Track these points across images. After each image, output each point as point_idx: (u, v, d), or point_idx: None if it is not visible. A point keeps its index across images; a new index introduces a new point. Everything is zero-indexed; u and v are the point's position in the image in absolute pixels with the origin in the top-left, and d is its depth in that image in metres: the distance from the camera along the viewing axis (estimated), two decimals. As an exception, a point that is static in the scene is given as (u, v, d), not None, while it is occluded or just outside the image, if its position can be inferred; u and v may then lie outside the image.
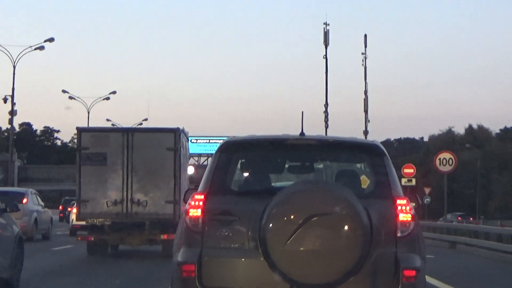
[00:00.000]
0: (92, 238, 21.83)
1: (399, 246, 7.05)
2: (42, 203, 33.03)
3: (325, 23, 55.12)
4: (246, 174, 7.86)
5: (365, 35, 55.63)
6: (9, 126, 59.95)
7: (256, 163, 7.90)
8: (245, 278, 7.00)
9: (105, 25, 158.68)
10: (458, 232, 30.78)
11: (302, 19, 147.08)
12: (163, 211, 21.54)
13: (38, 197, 32.28)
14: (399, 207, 7.17)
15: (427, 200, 46.50)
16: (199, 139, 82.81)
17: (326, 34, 54.69)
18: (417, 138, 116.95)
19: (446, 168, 35.62)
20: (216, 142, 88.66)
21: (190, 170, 32.25)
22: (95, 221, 21.70)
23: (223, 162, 7.43)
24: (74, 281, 15.76)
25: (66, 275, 16.74)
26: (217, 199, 7.14)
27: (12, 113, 50.50)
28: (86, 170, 21.60)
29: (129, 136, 21.82)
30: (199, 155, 77.80)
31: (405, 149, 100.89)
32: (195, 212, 7.10)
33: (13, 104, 50.60)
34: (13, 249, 12.64)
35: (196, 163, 72.50)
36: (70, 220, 33.81)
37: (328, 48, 55.06)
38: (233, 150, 7.67)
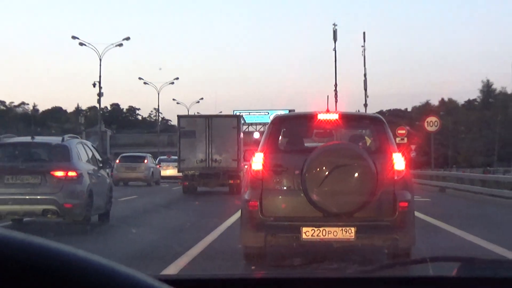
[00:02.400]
0: (187, 183, 25.22)
1: (396, 186, 7.56)
2: (155, 162, 37.42)
3: (334, 24, 54.80)
4: (288, 138, 8.55)
5: (364, 32, 54.85)
6: (103, 106, 59.77)
7: (294, 130, 8.63)
8: (292, 209, 7.60)
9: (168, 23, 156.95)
10: (446, 179, 29.22)
11: (316, 21, 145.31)
12: (231, 166, 24.95)
13: (153, 159, 36.76)
14: (395, 159, 7.65)
15: (413, 154, 45.10)
16: (241, 112, 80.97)
17: (334, 32, 54.69)
18: (403, 109, 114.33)
19: (433, 129, 33.77)
20: (254, 115, 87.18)
21: (256, 135, 37.73)
22: (189, 172, 25.11)
23: (274, 131, 8.02)
24: (176, 209, 18.63)
25: (171, 205, 20.07)
26: (271, 156, 7.74)
27: (100, 94, 52.23)
28: (183, 141, 25.14)
29: (209, 120, 25.36)
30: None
31: (395, 117, 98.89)
32: (257, 166, 7.68)
33: (100, 88, 51.95)
34: (106, 194, 13.22)
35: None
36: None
37: (336, 42, 54.86)
38: (280, 122, 8.40)
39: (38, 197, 10.91)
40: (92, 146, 13.53)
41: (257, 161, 7.65)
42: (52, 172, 11.06)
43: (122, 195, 21.35)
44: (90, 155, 12.79)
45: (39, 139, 12.36)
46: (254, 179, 7.64)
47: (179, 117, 25.86)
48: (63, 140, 11.96)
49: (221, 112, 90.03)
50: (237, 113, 78.29)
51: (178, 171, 25.92)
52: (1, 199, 10.90)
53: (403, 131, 42.77)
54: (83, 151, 12.36)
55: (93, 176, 12.24)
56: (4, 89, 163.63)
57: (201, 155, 24.70)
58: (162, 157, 43.38)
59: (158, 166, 37.50)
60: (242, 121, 28.71)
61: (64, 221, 11.42)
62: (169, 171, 38.03)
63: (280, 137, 8.17)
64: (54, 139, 12.36)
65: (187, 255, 8.53)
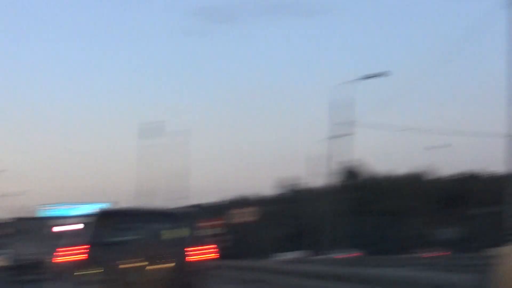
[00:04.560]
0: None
1: (197, 275, 7.86)
2: None
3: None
4: (107, 231, 8.35)
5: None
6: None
7: (114, 225, 8.39)
8: None
9: None
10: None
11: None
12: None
13: None
14: (200, 251, 7.94)
15: (229, 244, 45.12)
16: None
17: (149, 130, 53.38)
18: (217, 201, 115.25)
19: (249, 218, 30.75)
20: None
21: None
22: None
23: (97, 224, 8.21)
24: None
25: None
26: (88, 248, 7.75)
27: None
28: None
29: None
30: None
31: (211, 208, 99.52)
32: (70, 257, 7.81)
33: None
34: None
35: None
36: None
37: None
38: (102, 217, 8.46)
39: None
40: None
41: (76, 253, 7.72)
42: None
43: None
44: None
45: None
46: (72, 270, 7.67)
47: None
48: None
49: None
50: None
51: None
52: None
53: (219, 222, 43.15)
54: None
55: None
56: None
57: None
58: None
59: None
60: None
61: None
62: None
63: (100, 230, 8.12)
64: None
65: None
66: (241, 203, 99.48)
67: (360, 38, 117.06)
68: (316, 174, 61.79)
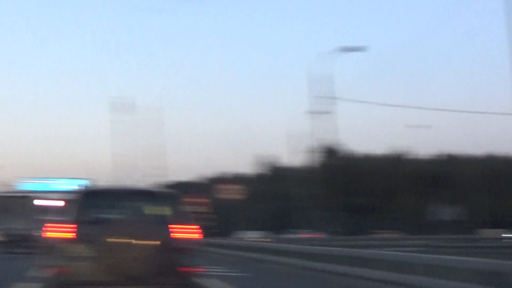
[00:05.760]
0: None
1: (180, 253, 8.09)
2: None
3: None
4: (94, 210, 8.58)
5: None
6: None
7: (100, 203, 8.73)
8: (91, 273, 7.84)
9: None
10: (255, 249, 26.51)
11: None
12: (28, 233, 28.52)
13: None
14: (183, 229, 8.14)
15: (211, 223, 44.00)
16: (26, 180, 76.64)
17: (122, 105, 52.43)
18: (197, 180, 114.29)
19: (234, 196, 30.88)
20: (37, 183, 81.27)
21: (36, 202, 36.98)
22: None
23: (82, 203, 8.35)
24: None
25: None
26: (78, 226, 8.05)
27: None
28: None
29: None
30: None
31: (190, 187, 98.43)
32: (64, 234, 8.03)
33: None
34: None
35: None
36: None
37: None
38: (88, 195, 8.72)
39: None
40: None
41: (64, 230, 8.04)
42: None
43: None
44: None
45: None
46: (61, 246, 7.98)
47: None
48: None
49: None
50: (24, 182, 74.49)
51: None
52: None
53: (204, 200, 42.21)
54: None
55: None
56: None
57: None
58: None
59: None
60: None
61: None
62: None
63: (86, 209, 8.41)
64: None
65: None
66: (221, 181, 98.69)
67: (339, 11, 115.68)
68: (295, 152, 60.92)
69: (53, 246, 7.99)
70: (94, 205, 8.57)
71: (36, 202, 33.41)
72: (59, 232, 8.02)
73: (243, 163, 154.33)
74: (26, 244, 28.41)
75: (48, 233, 8.20)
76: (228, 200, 70.65)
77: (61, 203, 31.60)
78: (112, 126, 54.45)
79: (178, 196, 8.64)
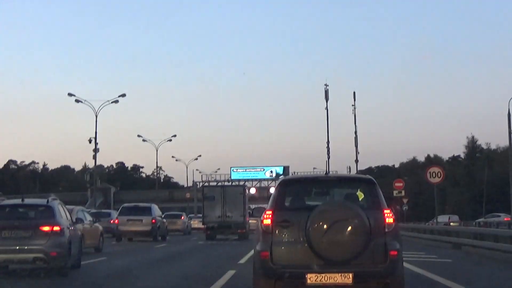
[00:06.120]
0: (209, 232, 33.93)
1: (386, 237, 8.30)
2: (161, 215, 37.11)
3: (326, 84, 56.47)
4: (292, 197, 9.03)
5: (354, 92, 55.08)
6: (109, 164, 59.35)
7: (298, 191, 9.16)
8: (297, 258, 8.29)
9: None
10: (461, 234, 24.12)
11: (309, 81, 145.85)
12: (239, 220, 33.70)
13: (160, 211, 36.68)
14: (385, 214, 8.44)
15: (405, 208, 44.68)
16: (238, 169, 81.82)
17: (326, 92, 56.04)
18: (390, 165, 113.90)
19: (436, 180, 29.90)
20: (250, 171, 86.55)
21: (252, 190, 49.06)
22: (210, 224, 33.96)
23: (281, 191, 8.84)
24: (199, 251, 22.69)
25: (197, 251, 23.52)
26: (279, 213, 8.54)
27: (95, 150, 52.22)
28: (206, 203, 34.14)
29: (223, 188, 35.09)
30: (238, 180, 76.39)
31: (384, 172, 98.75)
32: (267, 221, 8.50)
33: (96, 144, 52.01)
34: (79, 245, 14.99)
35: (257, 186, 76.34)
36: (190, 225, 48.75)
37: (328, 102, 55.92)
38: (286, 184, 9.11)
39: (29, 247, 12.78)
40: (64, 205, 14.82)
41: (267, 217, 8.52)
42: (40, 227, 12.90)
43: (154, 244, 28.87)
44: (67, 213, 14.56)
45: (28, 201, 14.38)
46: (264, 233, 8.49)
47: (203, 186, 40.18)
48: (47, 201, 13.82)
49: (219, 169, 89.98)
50: (234, 169, 80.00)
51: (203, 224, 35.32)
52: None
53: (400, 184, 42.03)
54: (62, 210, 14.14)
55: (70, 230, 14.03)
56: (15, 149, 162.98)
57: (218, 212, 33.81)
58: (191, 215, 59.08)
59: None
60: (245, 188, 37.60)
61: (49, 267, 12.97)
62: (196, 224, 49.74)
63: (285, 196, 8.87)
64: (40, 201, 14.35)
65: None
66: (415, 166, 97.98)
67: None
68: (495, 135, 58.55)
69: (264, 232, 8.35)
70: (300, 193, 8.97)
71: (250, 190, 38.19)
72: (268, 219, 8.38)
73: (442, 146, 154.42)
74: (240, 232, 33.30)
75: (260, 220, 8.65)
76: (427, 183, 70.02)
77: (271, 190, 34.20)
78: (326, 115, 56.59)
79: (374, 181, 8.84)
